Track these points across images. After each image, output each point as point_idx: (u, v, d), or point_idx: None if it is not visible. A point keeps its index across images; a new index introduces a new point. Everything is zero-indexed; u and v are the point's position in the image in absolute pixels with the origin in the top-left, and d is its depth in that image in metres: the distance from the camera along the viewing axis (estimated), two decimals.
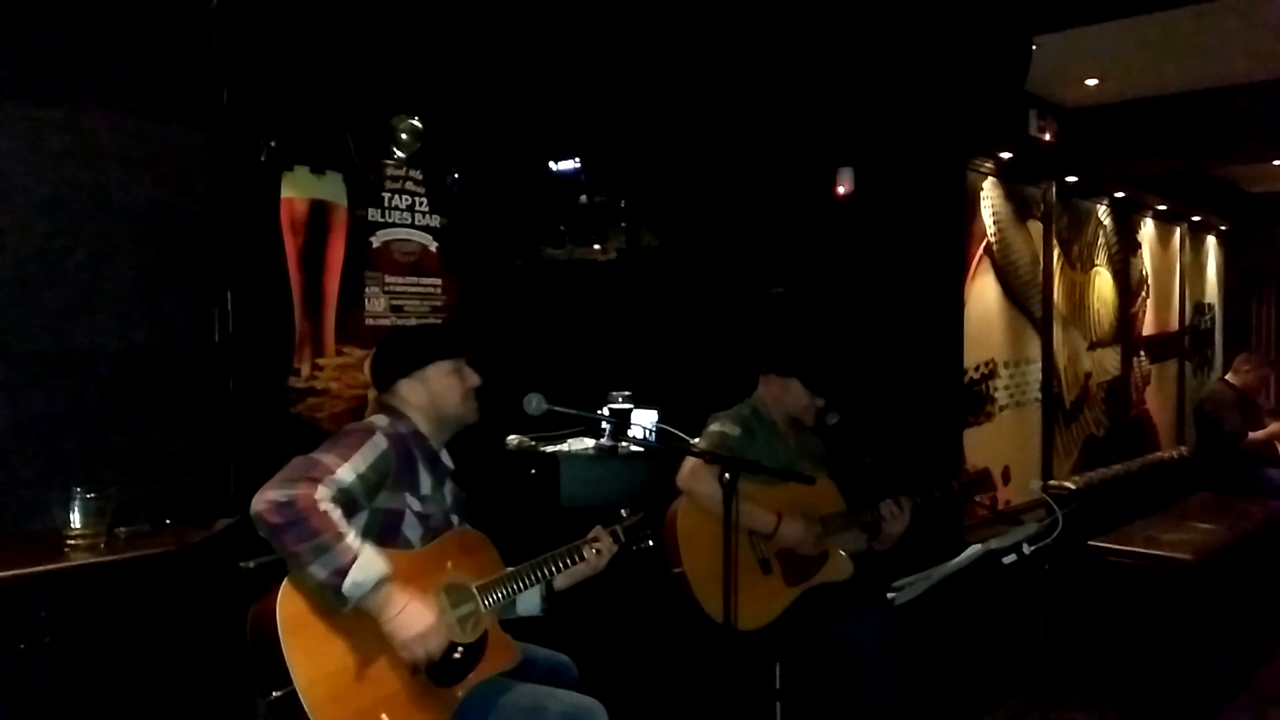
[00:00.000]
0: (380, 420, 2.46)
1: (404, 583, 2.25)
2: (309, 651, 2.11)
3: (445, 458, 2.60)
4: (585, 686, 2.54)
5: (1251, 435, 6.17)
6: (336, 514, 2.17)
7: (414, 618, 2.22)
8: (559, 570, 2.58)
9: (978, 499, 3.53)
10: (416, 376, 2.53)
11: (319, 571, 2.11)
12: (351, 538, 2.16)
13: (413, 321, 3.88)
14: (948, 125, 4.61)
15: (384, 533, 2.35)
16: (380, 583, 2.17)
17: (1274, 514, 5.21)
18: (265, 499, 2.14)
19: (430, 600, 2.29)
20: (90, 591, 2.56)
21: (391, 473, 2.37)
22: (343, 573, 2.12)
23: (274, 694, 2.08)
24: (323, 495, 2.17)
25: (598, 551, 2.63)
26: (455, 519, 2.57)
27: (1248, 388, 6.38)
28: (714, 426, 3.25)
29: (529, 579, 2.53)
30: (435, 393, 2.53)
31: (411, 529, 2.41)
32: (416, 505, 2.43)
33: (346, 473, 2.25)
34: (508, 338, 3.95)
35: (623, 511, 2.76)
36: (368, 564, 2.15)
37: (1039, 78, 4.74)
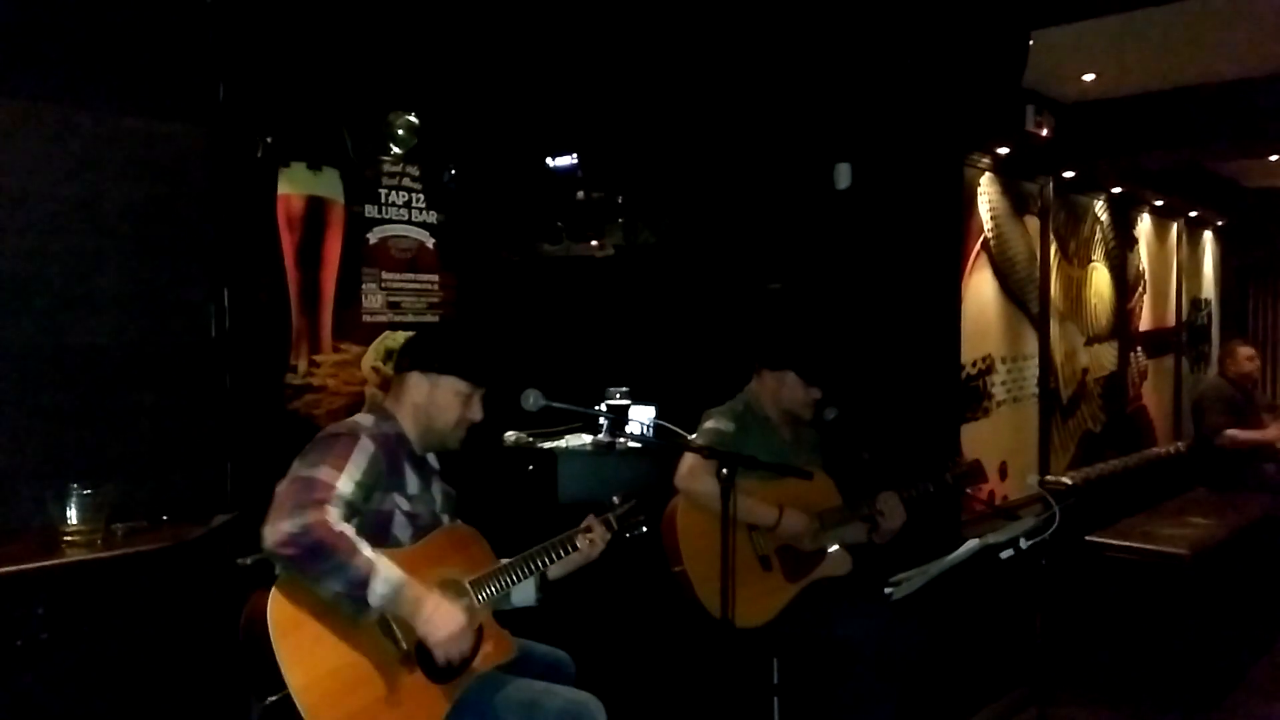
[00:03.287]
0: (365, 420, 2.44)
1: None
2: (302, 655, 2.10)
3: (431, 459, 2.59)
4: (583, 682, 2.54)
5: (1241, 436, 6.07)
6: (351, 531, 2.16)
7: (446, 618, 2.22)
8: (551, 562, 2.58)
9: (972, 490, 3.53)
10: (430, 377, 2.51)
11: (337, 585, 2.11)
12: (366, 550, 2.15)
13: (410, 319, 3.88)
14: (945, 121, 4.60)
15: (374, 534, 2.33)
16: (401, 588, 2.17)
17: (1270, 509, 5.22)
18: (280, 532, 2.10)
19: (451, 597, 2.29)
20: (87, 588, 2.56)
21: (382, 474, 2.36)
22: (364, 585, 2.11)
23: (269, 699, 2.07)
24: (334, 516, 2.15)
25: (591, 540, 2.64)
26: (445, 517, 2.56)
27: (1243, 376, 6.28)
28: (709, 424, 3.25)
29: (522, 572, 2.52)
30: (436, 402, 2.50)
31: (401, 529, 2.40)
32: (405, 505, 2.42)
33: (346, 484, 2.23)
34: (505, 334, 3.95)
35: (615, 499, 2.77)
36: (386, 573, 2.15)
37: (1036, 73, 4.73)
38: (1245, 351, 6.34)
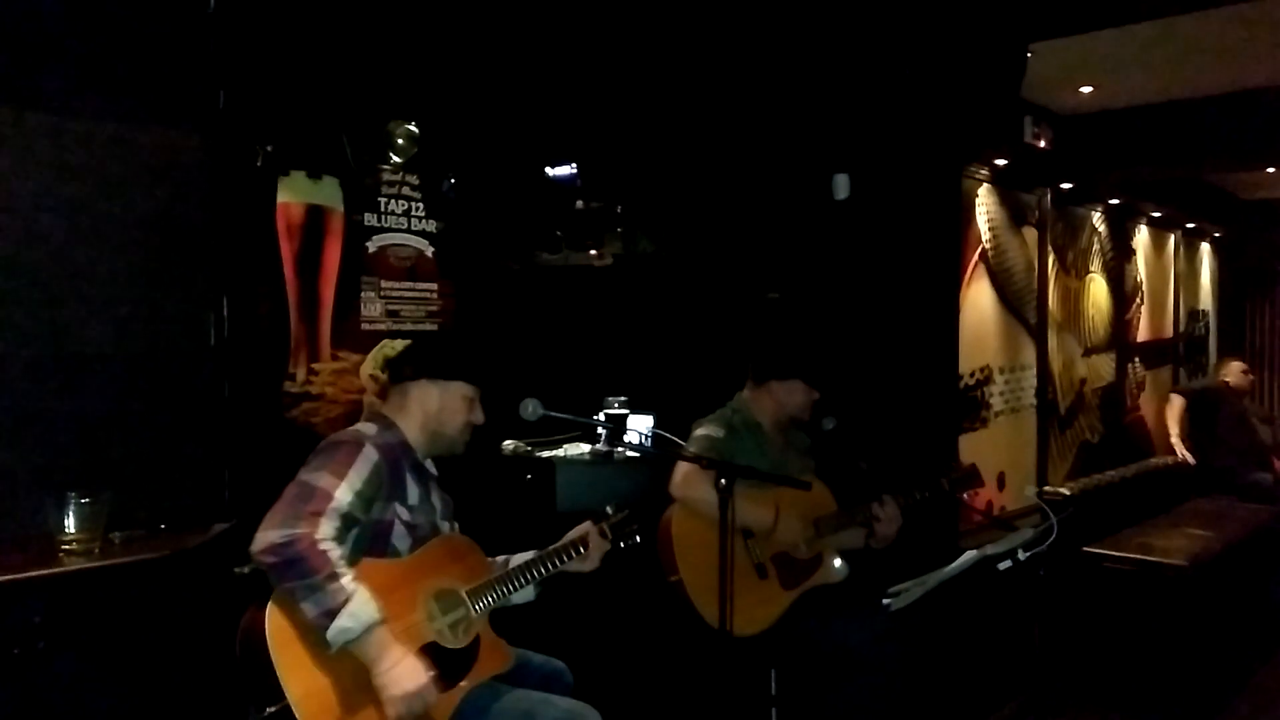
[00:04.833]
0: (369, 429, 2.44)
1: (392, 591, 2.24)
2: (300, 666, 2.10)
3: (429, 464, 2.59)
4: (580, 692, 2.54)
5: (1173, 408, 6.80)
6: (335, 553, 2.14)
7: (407, 675, 2.17)
8: (546, 573, 2.58)
9: (968, 496, 3.53)
10: (439, 384, 2.52)
11: (309, 609, 2.09)
12: (347, 580, 2.13)
13: (408, 327, 3.88)
14: (943, 132, 4.62)
15: (373, 544, 2.33)
16: (371, 629, 2.13)
17: (1266, 520, 5.23)
18: (266, 541, 2.10)
19: (417, 656, 2.24)
20: (85, 596, 2.56)
21: (384, 484, 2.36)
22: (332, 614, 2.09)
23: (268, 709, 2.07)
24: (324, 533, 2.14)
25: (587, 548, 2.63)
26: (445, 525, 2.56)
27: (1239, 387, 6.70)
28: (699, 431, 3.25)
29: (517, 582, 2.52)
30: (444, 408, 2.51)
31: (400, 539, 2.39)
32: (405, 515, 2.41)
33: (345, 494, 2.22)
34: (504, 343, 3.95)
35: (609, 509, 2.77)
36: (359, 609, 2.11)
37: (1034, 85, 4.75)
38: (1240, 365, 6.86)
